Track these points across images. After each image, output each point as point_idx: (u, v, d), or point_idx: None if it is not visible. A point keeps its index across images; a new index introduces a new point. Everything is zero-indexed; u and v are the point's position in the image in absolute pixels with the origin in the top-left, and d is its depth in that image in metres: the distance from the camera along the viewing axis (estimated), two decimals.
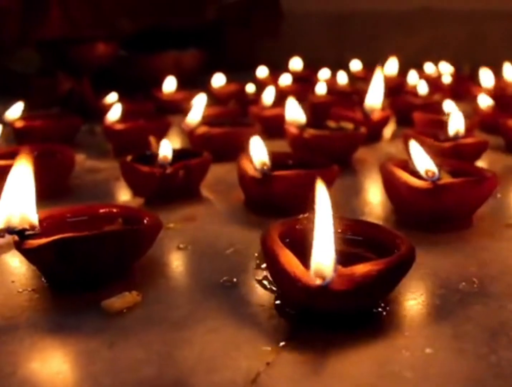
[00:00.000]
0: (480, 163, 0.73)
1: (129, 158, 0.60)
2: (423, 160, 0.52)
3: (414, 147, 0.53)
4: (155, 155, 0.61)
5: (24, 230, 0.40)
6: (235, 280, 0.43)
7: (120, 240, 0.40)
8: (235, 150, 0.70)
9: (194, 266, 0.46)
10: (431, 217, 0.51)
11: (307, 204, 0.55)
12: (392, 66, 1.37)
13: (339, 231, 0.41)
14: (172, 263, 0.47)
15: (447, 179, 0.52)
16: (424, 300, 0.40)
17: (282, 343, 0.34)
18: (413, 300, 0.39)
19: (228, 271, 0.44)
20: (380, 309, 0.38)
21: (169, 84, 1.13)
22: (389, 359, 0.33)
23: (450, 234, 0.51)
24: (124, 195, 0.63)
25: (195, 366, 0.32)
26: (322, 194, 0.36)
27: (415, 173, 0.53)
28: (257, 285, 0.42)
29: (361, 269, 0.33)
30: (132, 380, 0.31)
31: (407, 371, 0.32)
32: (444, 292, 0.41)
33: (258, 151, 0.56)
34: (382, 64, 1.34)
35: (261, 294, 0.40)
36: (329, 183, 0.56)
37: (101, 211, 0.47)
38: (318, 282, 0.32)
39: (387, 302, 0.38)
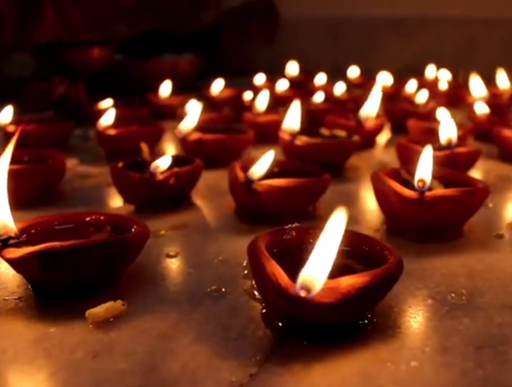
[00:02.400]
0: (474, 172, 0.73)
1: (120, 164, 0.60)
2: (424, 170, 0.51)
3: (425, 154, 0.53)
4: (147, 162, 0.60)
5: (8, 238, 0.39)
6: (223, 289, 0.42)
7: (106, 249, 0.40)
8: (228, 156, 0.70)
9: (182, 274, 0.46)
10: (420, 227, 0.51)
11: (297, 212, 0.55)
12: (388, 73, 1.37)
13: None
14: (160, 271, 0.46)
15: (438, 189, 0.51)
16: (411, 311, 0.39)
17: (267, 355, 0.34)
18: (401, 312, 0.39)
19: (216, 280, 0.44)
20: (366, 321, 0.37)
21: (165, 89, 1.13)
22: (373, 372, 0.32)
23: (440, 244, 0.51)
24: (115, 201, 0.63)
25: (178, 378, 0.32)
26: (339, 217, 0.36)
27: (406, 183, 0.53)
28: (245, 295, 0.41)
29: (346, 281, 0.33)
30: None
31: (391, 384, 0.31)
32: (432, 303, 0.41)
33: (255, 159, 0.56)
34: (377, 72, 1.35)
35: (248, 304, 0.40)
36: (320, 192, 0.56)
37: (89, 218, 0.47)
38: (303, 294, 0.32)
39: (373, 313, 0.38)
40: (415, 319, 0.38)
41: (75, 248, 0.39)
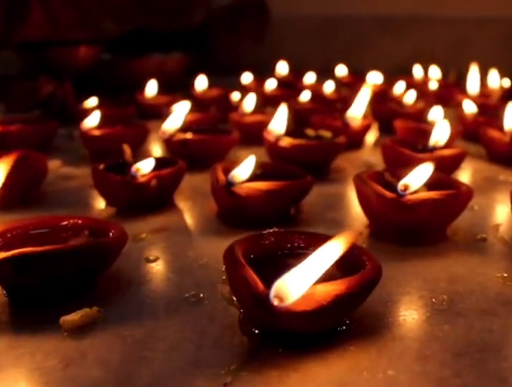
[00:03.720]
0: (461, 173, 0.73)
1: (101, 166, 0.59)
2: (414, 178, 0.51)
3: (424, 167, 0.52)
4: (129, 164, 0.60)
5: None
6: (201, 295, 0.42)
7: (81, 254, 0.39)
8: (212, 158, 0.69)
9: (161, 280, 0.45)
10: (403, 230, 0.50)
11: (279, 215, 0.55)
12: (377, 73, 1.37)
13: (302, 245, 0.40)
14: (139, 277, 0.45)
15: (421, 192, 0.51)
16: (391, 318, 0.39)
17: (242, 363, 0.34)
18: (380, 318, 0.39)
19: (195, 285, 0.43)
20: (344, 327, 0.37)
21: (151, 88, 1.12)
22: (349, 381, 0.32)
23: (423, 247, 0.50)
24: (97, 204, 0.62)
25: (151, 386, 0.32)
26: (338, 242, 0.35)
27: (390, 185, 0.53)
28: (223, 301, 0.41)
29: (321, 289, 0.33)
30: None
31: None
32: (413, 309, 0.40)
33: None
34: (367, 71, 1.34)
35: (226, 310, 0.40)
36: (302, 194, 0.56)
37: (67, 222, 0.46)
38: (276, 302, 0.32)
39: (352, 320, 0.38)
40: (395, 325, 0.38)
41: (49, 253, 0.38)
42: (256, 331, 0.36)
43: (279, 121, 0.73)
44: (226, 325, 0.38)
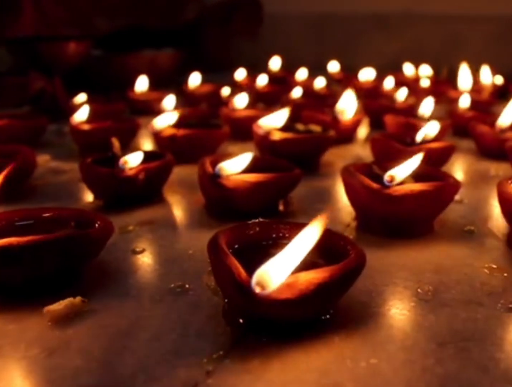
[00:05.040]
0: (451, 167, 0.73)
1: (89, 159, 0.59)
2: (401, 169, 0.51)
3: (414, 158, 0.52)
4: (117, 157, 0.59)
5: None
6: (187, 285, 0.42)
7: (66, 245, 0.39)
8: (202, 152, 0.69)
9: (147, 271, 0.45)
10: (390, 222, 0.50)
11: (267, 207, 0.55)
12: (369, 70, 1.37)
13: (287, 235, 0.40)
14: (125, 267, 0.45)
15: (408, 184, 0.51)
16: (376, 307, 0.39)
17: (224, 352, 0.34)
18: (364, 308, 0.39)
19: (180, 276, 0.43)
20: (328, 316, 0.37)
21: (141, 85, 1.12)
22: (332, 369, 0.32)
23: (410, 239, 0.50)
24: (85, 197, 0.62)
25: (134, 375, 0.32)
26: (318, 224, 0.35)
27: (377, 178, 0.52)
28: (208, 291, 0.41)
29: (304, 277, 0.33)
30: None
31: (348, 382, 0.31)
32: (398, 299, 0.40)
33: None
34: (360, 68, 1.35)
35: (210, 300, 0.40)
36: (290, 187, 0.56)
37: (53, 214, 0.46)
38: (258, 290, 0.31)
39: (336, 309, 0.38)
40: (379, 315, 0.38)
41: (33, 243, 0.38)
42: (240, 321, 0.36)
43: (274, 118, 0.72)
44: (210, 315, 0.38)
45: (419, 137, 0.68)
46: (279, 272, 0.32)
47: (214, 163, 0.55)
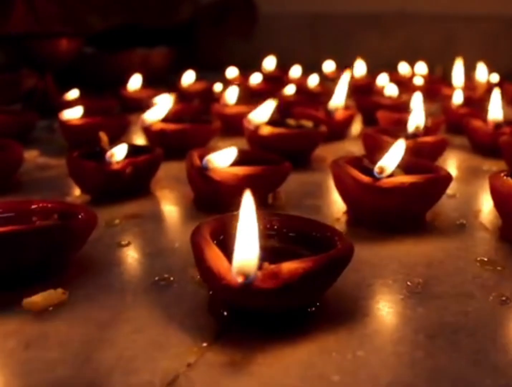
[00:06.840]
0: (445, 162, 0.72)
1: (75, 154, 0.58)
2: (388, 159, 0.50)
3: (397, 146, 0.51)
4: (105, 151, 0.58)
5: None
6: (171, 278, 0.41)
7: (46, 236, 0.38)
8: (192, 147, 0.68)
9: (131, 264, 0.44)
10: (380, 215, 0.49)
11: (256, 201, 0.54)
12: (361, 67, 1.36)
13: (275, 227, 0.39)
14: (110, 260, 0.44)
15: (399, 176, 0.50)
16: (364, 300, 0.38)
17: (207, 344, 0.33)
18: (353, 300, 0.38)
19: (165, 269, 0.42)
20: (315, 309, 0.36)
21: (134, 82, 1.11)
22: (317, 362, 0.31)
23: (402, 233, 0.49)
24: (72, 192, 0.61)
25: (112, 367, 0.31)
26: (247, 196, 0.34)
27: (368, 171, 0.52)
28: (193, 284, 0.40)
29: (288, 266, 0.32)
30: (44, 382, 0.30)
31: (334, 374, 0.30)
32: (387, 292, 0.39)
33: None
34: (352, 65, 1.34)
35: (195, 293, 0.39)
36: (279, 180, 0.55)
37: (36, 206, 0.45)
38: (240, 279, 0.30)
39: (323, 302, 0.37)
40: (367, 308, 0.37)
41: (13, 233, 0.37)
42: (225, 313, 0.35)
43: (262, 112, 0.72)
44: (194, 307, 0.37)
45: (410, 128, 0.67)
46: (250, 253, 0.31)
47: (202, 156, 0.54)
